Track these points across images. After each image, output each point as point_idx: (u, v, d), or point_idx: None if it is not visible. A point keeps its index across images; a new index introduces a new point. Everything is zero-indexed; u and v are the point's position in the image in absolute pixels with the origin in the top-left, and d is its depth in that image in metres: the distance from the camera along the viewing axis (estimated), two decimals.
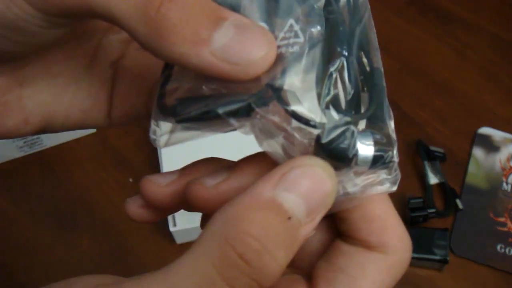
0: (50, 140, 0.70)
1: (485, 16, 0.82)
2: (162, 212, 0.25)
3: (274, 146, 0.20)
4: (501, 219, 0.63)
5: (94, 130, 0.72)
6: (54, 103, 0.23)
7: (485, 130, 0.70)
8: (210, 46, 0.17)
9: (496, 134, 0.70)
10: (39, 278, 0.62)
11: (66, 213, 0.66)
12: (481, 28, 0.81)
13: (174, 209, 0.24)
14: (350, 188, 0.22)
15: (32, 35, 0.19)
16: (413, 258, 0.58)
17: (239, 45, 0.17)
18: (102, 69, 0.24)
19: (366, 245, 0.24)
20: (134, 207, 0.24)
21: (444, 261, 0.58)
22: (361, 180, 0.22)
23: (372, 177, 0.23)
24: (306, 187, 0.19)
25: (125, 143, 0.71)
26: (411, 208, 0.61)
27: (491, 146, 0.69)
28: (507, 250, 0.60)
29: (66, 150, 0.71)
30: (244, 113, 0.19)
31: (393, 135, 0.22)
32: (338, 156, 0.20)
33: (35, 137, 0.68)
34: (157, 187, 0.23)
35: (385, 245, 0.24)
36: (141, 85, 0.24)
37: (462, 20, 0.82)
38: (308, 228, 0.20)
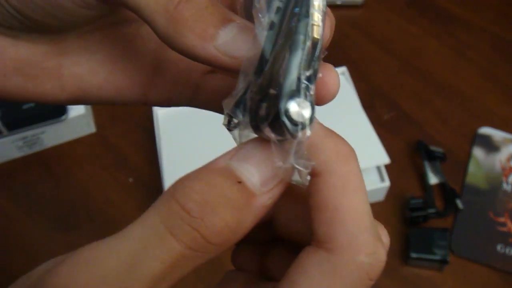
0: (50, 140, 0.70)
1: (485, 16, 0.82)
2: None
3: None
4: (501, 219, 0.63)
5: (94, 130, 0.72)
6: (89, 77, 0.26)
7: (485, 130, 0.70)
8: (214, 42, 0.20)
9: (496, 134, 0.70)
10: None
11: (66, 213, 0.66)
12: (481, 28, 0.81)
13: None
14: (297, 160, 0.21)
15: (70, 12, 0.22)
16: (413, 258, 0.58)
17: (239, 42, 0.20)
18: (140, 55, 0.26)
19: (315, 241, 0.21)
20: None
21: (444, 261, 0.58)
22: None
23: None
24: (259, 157, 0.20)
25: (125, 143, 0.71)
26: (411, 208, 0.61)
27: (491, 146, 0.69)
28: (507, 250, 0.60)
29: (66, 150, 0.71)
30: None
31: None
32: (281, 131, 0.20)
33: (35, 137, 0.68)
34: None
35: (331, 240, 0.20)
36: (189, 77, 0.27)
37: (462, 20, 0.82)
38: (264, 198, 0.20)
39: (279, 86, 0.19)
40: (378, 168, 0.64)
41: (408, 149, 0.69)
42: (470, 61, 0.78)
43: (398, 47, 0.80)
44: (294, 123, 0.19)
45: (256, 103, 0.20)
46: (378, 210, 0.64)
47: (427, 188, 0.64)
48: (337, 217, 0.20)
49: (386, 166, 0.63)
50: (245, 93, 0.20)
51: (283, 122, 0.19)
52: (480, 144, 0.69)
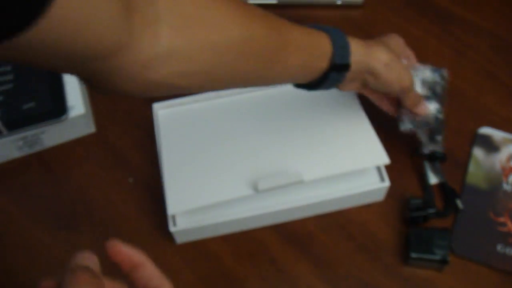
0: (50, 140, 0.70)
1: (485, 16, 0.82)
2: None
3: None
4: (501, 219, 0.63)
5: (94, 130, 0.72)
6: None
7: (485, 130, 0.70)
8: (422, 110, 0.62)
9: (496, 134, 0.70)
10: (39, 278, 0.62)
11: (66, 213, 0.66)
12: (481, 28, 0.81)
13: None
14: None
15: None
16: (413, 258, 0.58)
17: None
18: None
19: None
20: None
21: (444, 261, 0.58)
22: None
23: None
24: None
25: (125, 143, 0.71)
26: (411, 208, 0.61)
27: (491, 146, 0.69)
28: (507, 250, 0.60)
29: (66, 150, 0.71)
30: None
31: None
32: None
33: (35, 137, 0.68)
34: None
35: None
36: None
37: (462, 20, 0.82)
38: None
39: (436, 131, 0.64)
40: (378, 168, 0.64)
41: (408, 149, 0.69)
42: (470, 61, 0.78)
43: None
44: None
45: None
46: (378, 210, 0.64)
47: (427, 188, 0.64)
48: None
49: (386, 166, 0.63)
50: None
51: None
52: (480, 144, 0.69)
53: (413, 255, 0.58)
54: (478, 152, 0.68)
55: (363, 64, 0.55)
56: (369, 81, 0.56)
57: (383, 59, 0.55)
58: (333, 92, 0.69)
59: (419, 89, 0.63)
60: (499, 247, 0.61)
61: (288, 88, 0.68)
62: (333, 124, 0.65)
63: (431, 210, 0.61)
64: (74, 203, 0.67)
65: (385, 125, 0.71)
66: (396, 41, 0.63)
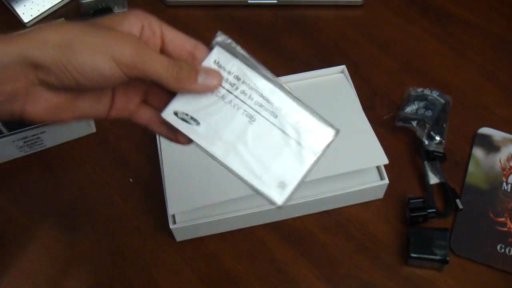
0: (50, 140, 0.70)
1: (485, 16, 0.82)
2: None
3: None
4: (501, 219, 0.63)
5: (94, 130, 0.72)
6: (89, 108, 0.40)
7: (485, 130, 0.70)
8: (197, 82, 0.39)
9: (496, 134, 0.70)
10: (38, 278, 0.62)
11: (66, 213, 0.66)
12: (481, 28, 0.81)
13: None
14: None
15: (108, 83, 0.36)
16: (413, 258, 0.58)
17: (206, 79, 0.39)
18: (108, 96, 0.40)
19: None
20: None
21: (444, 261, 0.58)
22: None
23: None
24: None
25: (125, 143, 0.71)
26: (411, 208, 0.61)
27: (491, 146, 0.69)
28: (507, 250, 0.60)
29: (66, 150, 0.71)
30: None
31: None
32: None
33: (35, 137, 0.68)
34: None
35: None
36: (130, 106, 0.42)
37: (462, 20, 0.82)
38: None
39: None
40: (377, 166, 0.64)
41: (408, 149, 0.69)
42: (470, 61, 0.78)
43: (398, 47, 0.80)
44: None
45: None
46: (378, 210, 0.64)
47: (427, 188, 0.64)
48: None
49: (386, 166, 0.63)
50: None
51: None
52: (480, 144, 0.69)
53: (413, 255, 0.58)
54: (478, 152, 0.68)
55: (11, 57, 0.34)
56: (43, 79, 0.36)
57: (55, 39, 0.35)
58: (333, 92, 0.69)
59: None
60: (499, 247, 0.61)
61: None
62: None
63: (431, 210, 0.61)
64: (75, 203, 0.67)
65: (385, 125, 0.71)
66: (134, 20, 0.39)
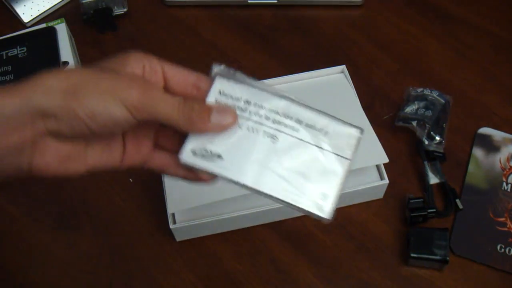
0: None
1: (485, 16, 0.82)
2: None
3: None
4: (501, 219, 0.63)
5: None
6: (101, 158, 0.38)
7: (485, 130, 0.70)
8: (209, 122, 0.36)
9: (496, 134, 0.70)
10: (39, 278, 0.62)
11: (66, 213, 0.66)
12: (481, 28, 0.81)
13: None
14: None
15: (119, 128, 0.36)
16: (413, 258, 0.58)
17: (219, 118, 0.37)
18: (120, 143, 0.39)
19: None
20: None
21: (444, 261, 0.58)
22: None
23: None
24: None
25: None
26: (411, 208, 0.61)
27: (491, 146, 0.69)
28: (507, 250, 0.60)
29: None
30: None
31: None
32: None
33: None
34: None
35: None
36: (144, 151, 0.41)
37: (462, 20, 0.82)
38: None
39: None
40: (377, 166, 0.64)
41: (408, 149, 0.69)
42: (470, 61, 0.78)
43: (398, 47, 0.80)
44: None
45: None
46: (378, 210, 0.64)
47: (427, 188, 0.64)
48: None
49: (386, 166, 0.63)
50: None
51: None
52: (480, 144, 0.69)
53: (413, 255, 0.58)
54: (478, 152, 0.68)
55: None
56: (51, 127, 0.34)
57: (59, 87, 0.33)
58: (333, 92, 0.69)
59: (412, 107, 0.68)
60: (499, 247, 0.60)
61: (287, 87, 0.68)
62: None
63: (431, 210, 0.61)
64: (74, 203, 0.67)
65: (385, 125, 0.71)
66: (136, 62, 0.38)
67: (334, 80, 0.70)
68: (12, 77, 0.69)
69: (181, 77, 0.38)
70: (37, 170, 0.35)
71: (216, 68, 0.39)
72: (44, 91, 0.33)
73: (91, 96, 0.33)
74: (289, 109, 0.39)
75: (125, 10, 0.82)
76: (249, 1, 0.84)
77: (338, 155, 0.38)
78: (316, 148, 0.38)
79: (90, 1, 0.80)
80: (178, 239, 0.62)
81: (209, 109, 0.37)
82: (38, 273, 0.62)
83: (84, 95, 0.33)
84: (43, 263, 0.63)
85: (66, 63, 0.71)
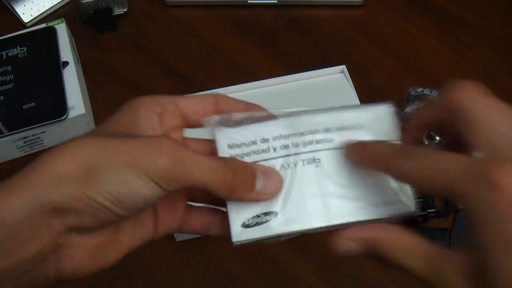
0: (51, 140, 0.70)
1: (485, 16, 0.82)
2: None
3: None
4: None
5: (94, 128, 0.72)
6: (135, 238, 0.35)
7: None
8: (254, 191, 0.31)
9: None
10: None
11: None
12: (481, 28, 0.81)
13: None
14: None
15: (144, 207, 0.29)
16: None
17: (267, 185, 0.32)
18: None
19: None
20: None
21: None
22: None
23: None
24: None
25: None
26: None
27: None
28: None
29: None
30: None
31: None
32: None
33: (35, 137, 0.68)
34: None
35: None
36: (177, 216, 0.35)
37: (462, 20, 0.82)
38: None
39: None
40: None
41: None
42: (470, 61, 0.78)
43: (398, 47, 0.80)
44: None
45: None
46: None
47: None
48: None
49: None
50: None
51: None
52: None
53: None
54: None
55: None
56: (72, 224, 0.28)
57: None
58: (333, 92, 0.69)
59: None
60: None
61: (287, 87, 0.68)
62: None
63: (431, 210, 0.61)
64: None
65: None
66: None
67: (334, 80, 0.70)
68: (12, 77, 0.69)
69: (200, 107, 0.33)
70: (69, 275, 0.29)
71: (208, 121, 0.33)
72: (52, 182, 0.27)
73: (109, 175, 0.27)
74: (311, 123, 0.33)
75: (125, 10, 0.82)
76: (249, 1, 0.84)
77: (387, 139, 0.34)
78: None
79: (90, 1, 0.80)
80: (178, 239, 0.62)
81: (254, 172, 0.31)
82: None
83: (102, 177, 0.27)
84: None
85: (66, 63, 0.71)
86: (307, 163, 0.32)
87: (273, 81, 0.69)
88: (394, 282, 0.59)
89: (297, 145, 0.33)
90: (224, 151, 0.32)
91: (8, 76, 0.70)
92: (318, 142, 0.33)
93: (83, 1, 0.80)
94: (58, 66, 0.70)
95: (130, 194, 0.27)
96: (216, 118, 0.33)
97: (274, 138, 0.33)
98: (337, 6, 0.84)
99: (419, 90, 0.70)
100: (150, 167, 0.27)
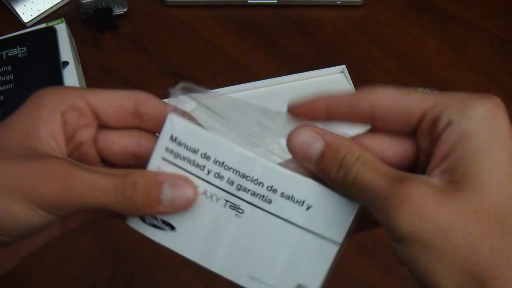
0: None
1: (485, 16, 0.82)
2: None
3: None
4: None
5: None
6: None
7: None
8: (160, 205, 0.28)
9: None
10: (39, 278, 0.62)
11: None
12: (481, 28, 0.81)
13: None
14: None
15: (36, 229, 0.28)
16: None
17: (175, 195, 0.29)
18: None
19: None
20: None
21: None
22: None
23: None
24: None
25: None
26: None
27: None
28: None
29: None
30: None
31: None
32: None
33: None
34: None
35: None
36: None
37: (462, 20, 0.82)
38: None
39: None
40: None
41: None
42: (470, 61, 0.78)
43: (398, 47, 0.80)
44: None
45: None
46: None
47: None
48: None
49: None
50: None
51: None
52: None
53: None
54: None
55: None
56: None
57: None
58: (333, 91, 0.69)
59: None
60: None
61: (287, 87, 0.68)
62: (331, 124, 0.65)
63: None
64: None
65: None
66: None
67: (334, 80, 0.70)
68: (12, 77, 0.69)
69: (115, 105, 0.30)
70: None
71: (175, 93, 0.29)
72: None
73: None
74: (264, 173, 0.29)
75: (125, 10, 0.82)
76: (249, 1, 0.84)
77: (325, 238, 0.30)
78: (292, 226, 0.29)
79: (90, 1, 0.80)
80: None
81: (159, 184, 0.28)
82: (38, 273, 0.62)
83: None
84: (43, 263, 0.63)
85: (66, 63, 0.71)
86: (229, 206, 0.29)
87: (273, 81, 0.69)
88: (394, 282, 0.59)
89: (231, 183, 0.29)
90: (164, 143, 0.29)
91: (8, 76, 0.70)
92: (254, 195, 0.29)
93: (83, 1, 0.80)
94: (58, 66, 0.70)
95: (17, 224, 0.26)
96: (180, 86, 0.29)
97: (216, 162, 0.29)
98: (337, 6, 0.84)
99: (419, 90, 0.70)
100: (37, 195, 0.26)
